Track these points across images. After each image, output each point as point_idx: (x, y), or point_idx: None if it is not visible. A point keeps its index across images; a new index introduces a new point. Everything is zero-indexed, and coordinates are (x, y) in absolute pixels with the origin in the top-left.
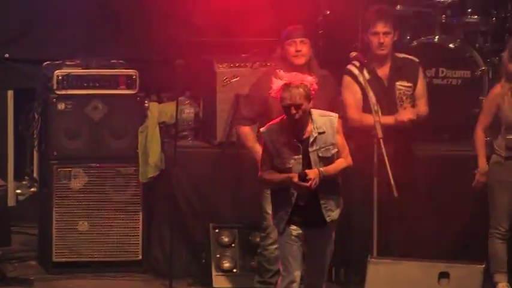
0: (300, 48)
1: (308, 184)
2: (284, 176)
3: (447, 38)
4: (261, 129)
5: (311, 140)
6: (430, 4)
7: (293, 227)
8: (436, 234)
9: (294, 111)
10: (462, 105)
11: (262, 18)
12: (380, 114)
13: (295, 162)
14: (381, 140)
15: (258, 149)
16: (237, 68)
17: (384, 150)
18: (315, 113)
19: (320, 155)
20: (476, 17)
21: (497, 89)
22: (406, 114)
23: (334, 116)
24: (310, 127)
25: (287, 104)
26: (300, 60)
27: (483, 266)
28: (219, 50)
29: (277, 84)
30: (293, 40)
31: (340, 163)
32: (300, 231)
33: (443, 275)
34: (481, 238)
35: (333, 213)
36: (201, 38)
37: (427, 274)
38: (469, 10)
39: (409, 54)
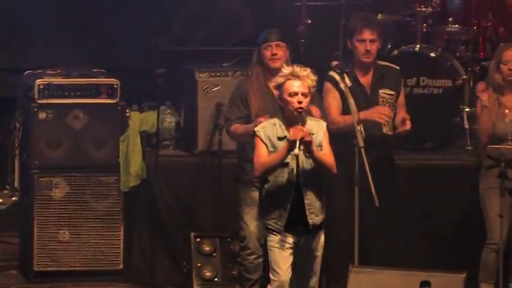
0: (276, 52)
1: (304, 129)
2: (281, 149)
3: (428, 47)
4: (255, 128)
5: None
6: (411, 13)
7: (287, 233)
8: (418, 243)
9: (301, 99)
10: (443, 114)
11: (243, 28)
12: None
13: (291, 157)
14: (362, 149)
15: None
16: (218, 77)
17: (365, 159)
18: (306, 117)
19: (307, 155)
20: (457, 26)
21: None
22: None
23: (323, 122)
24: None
25: (294, 91)
26: (276, 64)
27: (464, 274)
28: (200, 59)
29: (285, 70)
30: (268, 44)
31: (327, 157)
32: (293, 239)
33: (425, 283)
34: (462, 246)
35: (316, 218)
36: (182, 47)
37: (409, 283)
38: (450, 19)
39: (390, 63)
